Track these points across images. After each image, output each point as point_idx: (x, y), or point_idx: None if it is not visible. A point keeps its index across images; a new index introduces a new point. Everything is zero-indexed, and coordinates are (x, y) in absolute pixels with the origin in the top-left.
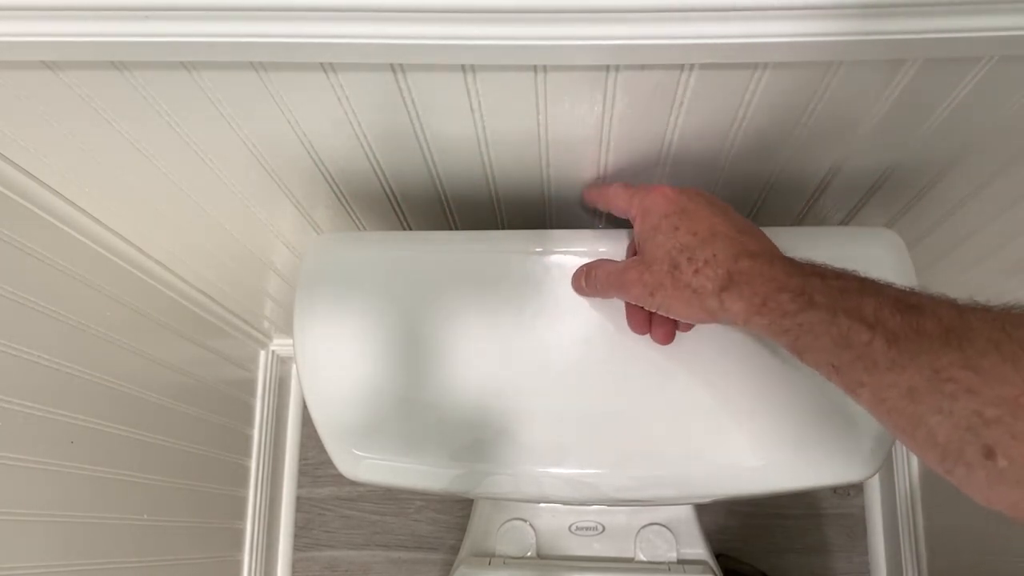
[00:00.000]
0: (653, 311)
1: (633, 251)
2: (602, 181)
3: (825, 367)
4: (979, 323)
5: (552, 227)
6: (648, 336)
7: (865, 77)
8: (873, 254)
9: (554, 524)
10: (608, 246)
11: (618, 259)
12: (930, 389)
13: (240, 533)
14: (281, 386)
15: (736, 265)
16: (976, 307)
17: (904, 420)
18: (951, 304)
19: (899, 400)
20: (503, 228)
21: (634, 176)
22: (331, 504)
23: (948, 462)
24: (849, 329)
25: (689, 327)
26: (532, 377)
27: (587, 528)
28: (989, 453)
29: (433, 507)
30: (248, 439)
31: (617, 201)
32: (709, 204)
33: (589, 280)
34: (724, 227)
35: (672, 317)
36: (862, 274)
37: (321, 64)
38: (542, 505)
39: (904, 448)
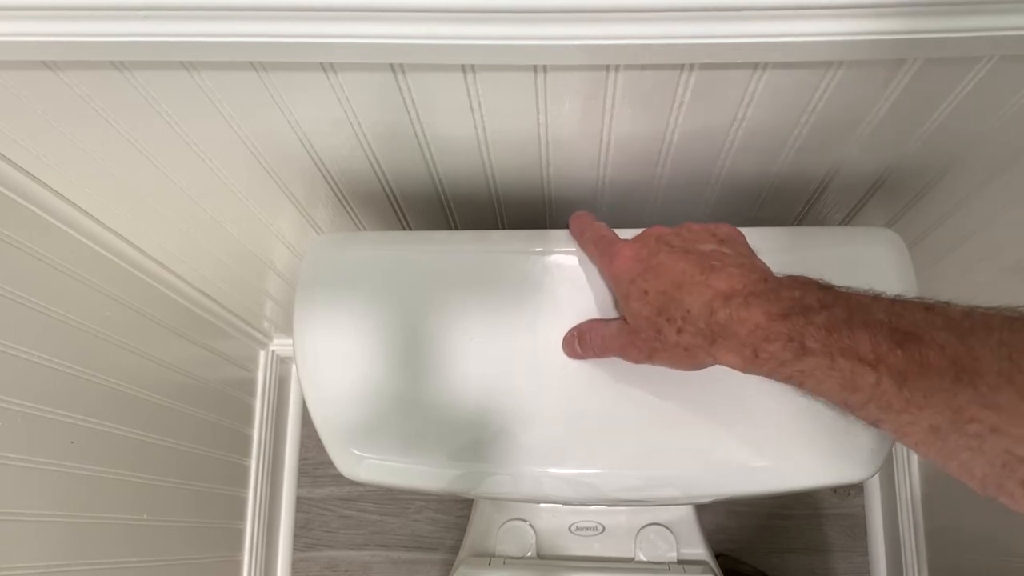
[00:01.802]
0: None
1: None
2: (583, 220)
3: (841, 405)
4: (983, 351)
5: (552, 227)
6: None
7: (865, 77)
8: (873, 254)
9: (554, 524)
10: None
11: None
12: (954, 429)
13: (240, 533)
14: (281, 386)
15: (713, 316)
16: (973, 322)
17: (934, 453)
18: (947, 324)
19: (924, 436)
20: (503, 228)
21: (633, 177)
22: (331, 504)
23: (989, 491)
24: (852, 372)
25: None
26: (532, 377)
27: (587, 528)
28: None
29: (433, 507)
30: (248, 439)
31: (592, 258)
32: (672, 247)
33: (584, 344)
34: (689, 273)
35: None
36: (841, 288)
37: (321, 64)
38: (542, 505)
39: (904, 448)
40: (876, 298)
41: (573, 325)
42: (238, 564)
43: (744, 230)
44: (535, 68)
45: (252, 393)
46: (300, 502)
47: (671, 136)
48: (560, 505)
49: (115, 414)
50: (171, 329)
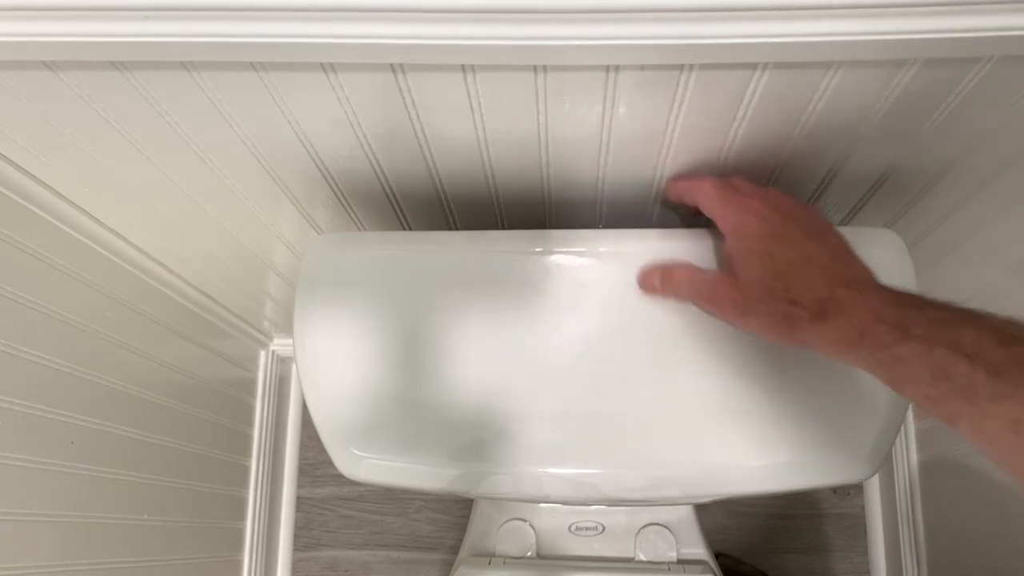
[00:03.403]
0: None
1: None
2: (690, 175)
3: (922, 398)
4: None
5: (552, 227)
6: (648, 336)
7: (865, 77)
8: (873, 254)
9: (554, 524)
10: (608, 246)
11: (620, 257)
12: None
13: (240, 533)
14: (281, 386)
15: (832, 294)
16: None
17: (1008, 450)
18: None
19: (1001, 431)
20: (503, 228)
21: (633, 177)
22: (331, 504)
23: None
24: (947, 361)
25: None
26: (532, 377)
27: (587, 528)
28: None
29: (433, 507)
30: (248, 439)
31: (708, 203)
32: (803, 226)
33: (668, 282)
34: (819, 253)
35: (757, 335)
36: (958, 304)
37: (321, 64)
38: (542, 505)
39: (904, 448)
40: (986, 312)
41: (573, 325)
42: (238, 564)
43: None
44: (535, 68)
45: (252, 393)
46: (300, 502)
47: (671, 136)
48: (560, 505)
49: (115, 414)
50: (171, 329)
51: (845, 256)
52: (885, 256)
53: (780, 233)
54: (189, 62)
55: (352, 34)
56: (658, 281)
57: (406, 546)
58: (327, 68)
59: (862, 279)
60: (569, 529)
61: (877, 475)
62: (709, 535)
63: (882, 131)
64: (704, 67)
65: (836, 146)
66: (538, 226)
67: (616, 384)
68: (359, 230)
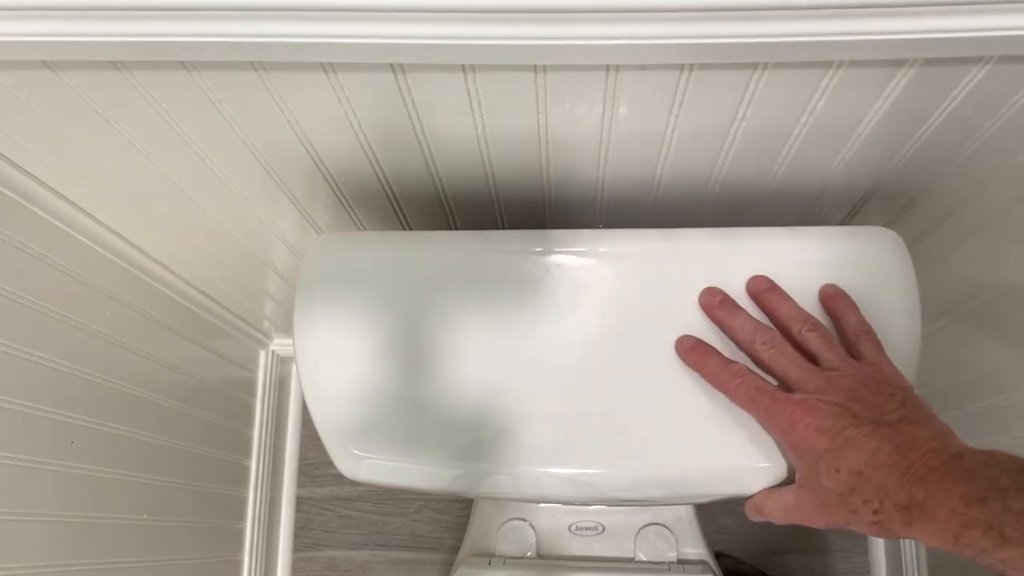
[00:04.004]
0: None
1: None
2: (701, 348)
3: None
4: None
5: (552, 227)
6: (647, 337)
7: (865, 77)
8: (873, 254)
9: (554, 524)
10: (608, 246)
11: (620, 257)
12: None
13: (240, 533)
14: (281, 386)
15: (911, 499)
16: None
17: None
18: None
19: None
20: (503, 228)
21: (633, 177)
22: (331, 504)
23: None
24: None
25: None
26: (532, 377)
27: (587, 528)
28: None
29: (433, 507)
30: (248, 439)
31: (742, 407)
32: (857, 420)
33: (762, 515)
34: (883, 450)
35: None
36: None
37: (321, 64)
38: (542, 505)
39: None
40: None
41: (573, 325)
42: (238, 564)
43: (744, 230)
44: (535, 68)
45: (252, 393)
46: (300, 502)
47: (671, 136)
48: (560, 505)
49: (115, 414)
50: (171, 329)
51: (910, 435)
52: (885, 256)
53: (838, 445)
54: (189, 62)
55: (352, 34)
56: (755, 514)
57: (406, 546)
58: (327, 68)
59: (935, 465)
60: (569, 529)
61: None
62: (709, 535)
63: (882, 131)
64: (704, 67)
65: (836, 146)
66: (538, 226)
67: (616, 384)
68: (359, 230)
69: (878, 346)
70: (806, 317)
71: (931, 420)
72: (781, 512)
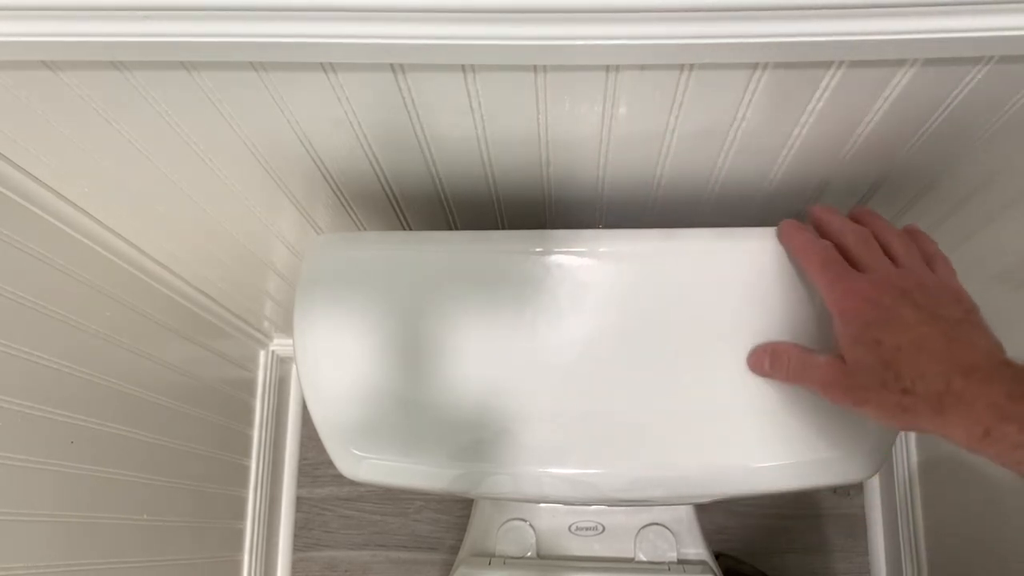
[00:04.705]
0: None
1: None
2: (802, 231)
3: None
4: None
5: (552, 227)
6: (648, 337)
7: (865, 77)
8: None
9: (554, 524)
10: (608, 246)
11: (620, 257)
12: None
13: (240, 533)
14: (281, 386)
15: (948, 386)
16: None
17: None
18: None
19: None
20: (503, 228)
21: (633, 177)
22: (331, 504)
23: None
24: None
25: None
26: (532, 377)
27: (587, 528)
28: None
29: (433, 507)
30: (248, 439)
31: (816, 278)
32: (917, 305)
33: (777, 363)
34: (932, 337)
35: (873, 420)
36: None
37: (321, 64)
38: (542, 505)
39: (904, 448)
40: None
41: (573, 325)
42: (238, 564)
43: (744, 230)
44: (535, 68)
45: (252, 393)
46: (300, 502)
47: (671, 136)
48: (560, 505)
49: (115, 414)
50: (171, 329)
51: (965, 335)
52: None
53: (888, 318)
54: (189, 62)
55: (352, 34)
56: (768, 363)
57: (406, 546)
58: (327, 68)
59: (982, 364)
60: (569, 529)
61: (877, 475)
62: (709, 535)
63: (882, 131)
64: (704, 67)
65: (836, 146)
66: (538, 226)
67: (616, 384)
68: (359, 230)
69: (952, 269)
70: (895, 228)
71: (989, 334)
72: (801, 366)
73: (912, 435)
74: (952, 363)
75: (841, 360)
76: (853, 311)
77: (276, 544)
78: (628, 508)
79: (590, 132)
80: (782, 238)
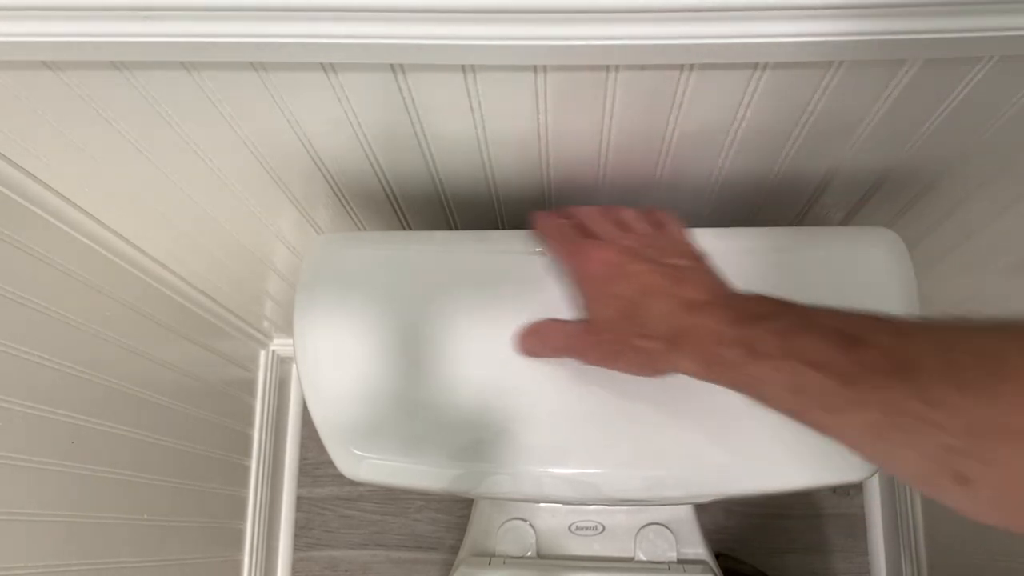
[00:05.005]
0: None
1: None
2: (544, 217)
3: (786, 412)
4: (923, 350)
5: None
6: None
7: (865, 77)
8: (873, 254)
9: (554, 524)
10: None
11: None
12: (891, 425)
13: (240, 533)
14: (281, 386)
15: (677, 322)
16: (916, 327)
17: (873, 453)
18: (892, 329)
19: (863, 436)
20: (503, 228)
21: (633, 177)
22: (331, 504)
23: (927, 488)
24: (798, 374)
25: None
26: (532, 377)
27: (587, 528)
28: (963, 480)
29: (433, 507)
30: (248, 439)
31: (553, 251)
32: (643, 259)
33: (544, 342)
34: (659, 281)
35: (630, 374)
36: (806, 304)
37: (321, 64)
38: (542, 505)
39: None
40: (828, 309)
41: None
42: (238, 564)
43: (744, 230)
44: (535, 68)
45: (252, 393)
46: (300, 502)
47: (671, 136)
48: (560, 505)
49: (115, 414)
50: (171, 329)
51: (691, 277)
52: (885, 256)
53: (620, 273)
54: (189, 62)
55: (352, 34)
56: (534, 341)
57: (406, 546)
58: (327, 68)
59: (706, 299)
60: (569, 529)
61: (877, 475)
62: (709, 535)
63: (882, 131)
64: (704, 67)
65: (836, 146)
66: None
67: (616, 384)
68: (359, 230)
69: (682, 229)
70: (628, 208)
71: (716, 276)
72: (564, 338)
73: None
74: (679, 302)
75: (586, 322)
76: (589, 274)
77: (276, 544)
78: (628, 508)
79: (590, 132)
80: (535, 225)
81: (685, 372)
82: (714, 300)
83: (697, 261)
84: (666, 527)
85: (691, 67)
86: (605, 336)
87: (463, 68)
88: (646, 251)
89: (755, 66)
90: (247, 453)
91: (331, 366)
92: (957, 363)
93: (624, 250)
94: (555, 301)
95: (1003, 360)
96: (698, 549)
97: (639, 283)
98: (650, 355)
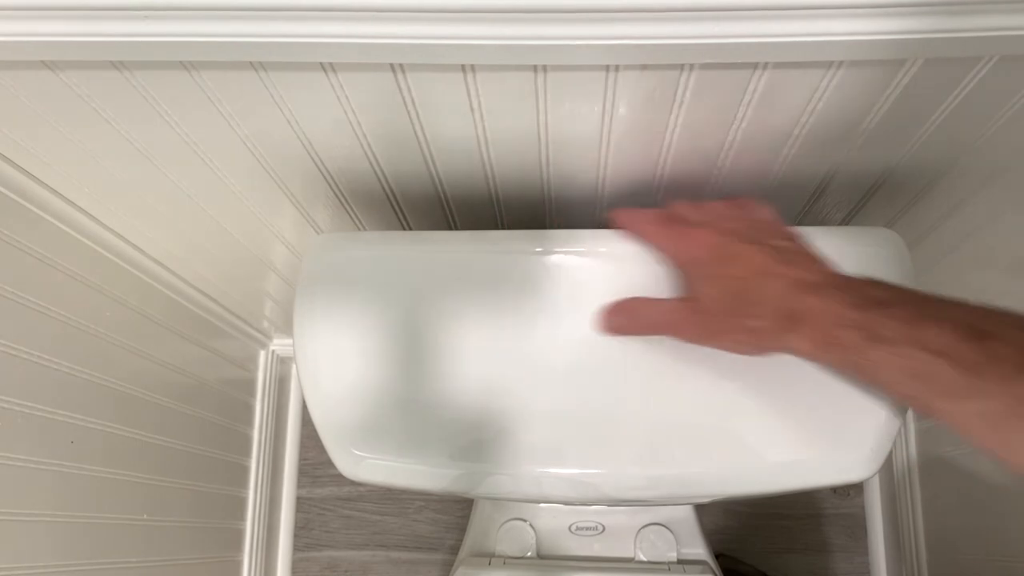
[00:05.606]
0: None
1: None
2: (632, 212)
3: (902, 397)
4: None
5: (552, 227)
6: (647, 337)
7: (865, 77)
8: (873, 254)
9: (554, 524)
10: (608, 246)
11: (620, 257)
12: (1014, 415)
13: (240, 533)
14: (281, 386)
15: (792, 303)
16: None
17: (988, 441)
18: (1015, 322)
19: (981, 424)
20: (503, 228)
21: (633, 177)
22: (331, 504)
23: None
24: (919, 361)
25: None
26: (532, 377)
27: (587, 528)
28: None
29: (433, 507)
30: (248, 439)
31: (654, 242)
32: (749, 240)
33: (632, 319)
34: (771, 264)
35: (731, 353)
36: (924, 292)
37: (321, 64)
38: (542, 505)
39: (904, 447)
40: (951, 300)
41: (573, 325)
42: (238, 564)
43: None
44: (535, 68)
45: (252, 393)
46: (300, 502)
47: (671, 136)
48: (560, 505)
49: (115, 414)
50: (171, 329)
51: (800, 259)
52: (885, 256)
53: (725, 255)
54: (189, 62)
55: (352, 34)
56: (622, 320)
57: (406, 546)
58: (327, 68)
59: (822, 281)
60: (569, 529)
61: (877, 475)
62: (709, 535)
63: (882, 131)
64: (704, 67)
65: (836, 146)
66: (538, 226)
67: (616, 384)
68: (359, 230)
69: (772, 211)
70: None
71: (820, 257)
72: (657, 313)
73: (912, 435)
74: (791, 281)
75: (691, 300)
76: (696, 257)
77: (276, 544)
78: (628, 508)
79: (590, 132)
80: (619, 222)
81: (796, 352)
82: (829, 281)
83: (797, 242)
84: (666, 527)
85: (691, 67)
86: (711, 315)
87: (463, 68)
88: (748, 232)
89: (755, 66)
90: (247, 453)
91: (331, 366)
92: None
93: (728, 231)
94: (555, 301)
95: None
96: (698, 549)
97: (749, 263)
98: (759, 335)
